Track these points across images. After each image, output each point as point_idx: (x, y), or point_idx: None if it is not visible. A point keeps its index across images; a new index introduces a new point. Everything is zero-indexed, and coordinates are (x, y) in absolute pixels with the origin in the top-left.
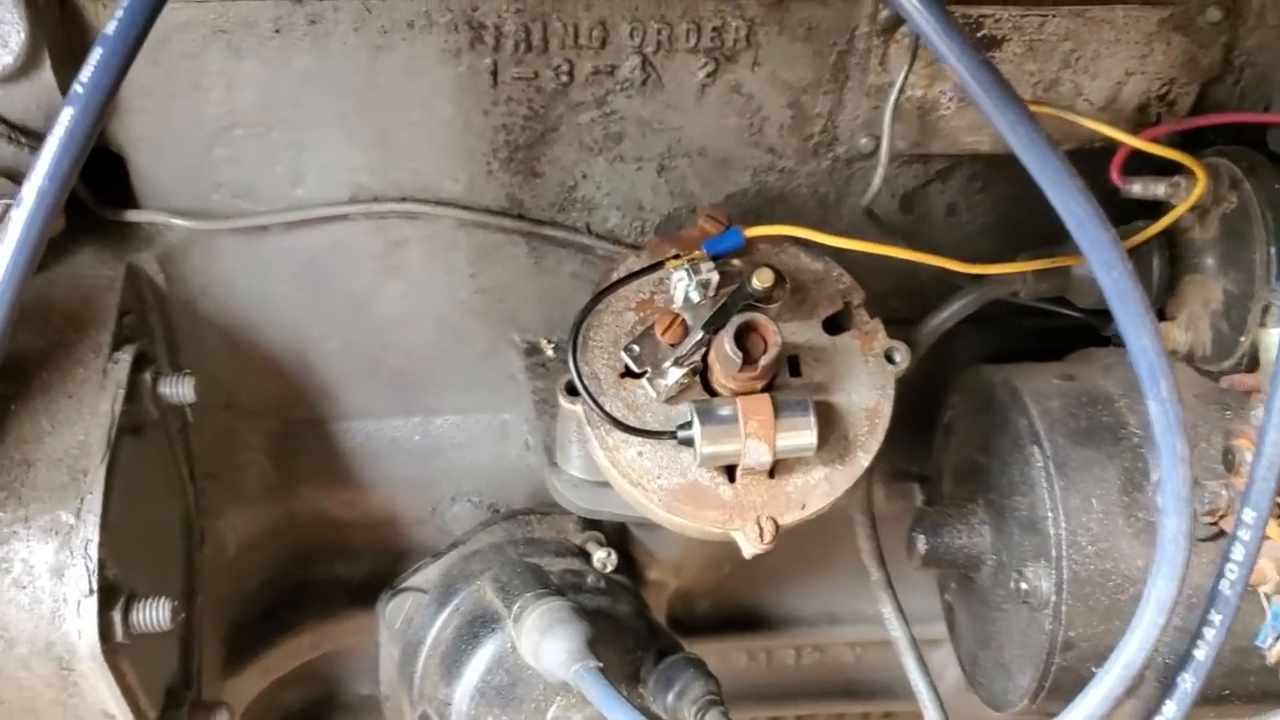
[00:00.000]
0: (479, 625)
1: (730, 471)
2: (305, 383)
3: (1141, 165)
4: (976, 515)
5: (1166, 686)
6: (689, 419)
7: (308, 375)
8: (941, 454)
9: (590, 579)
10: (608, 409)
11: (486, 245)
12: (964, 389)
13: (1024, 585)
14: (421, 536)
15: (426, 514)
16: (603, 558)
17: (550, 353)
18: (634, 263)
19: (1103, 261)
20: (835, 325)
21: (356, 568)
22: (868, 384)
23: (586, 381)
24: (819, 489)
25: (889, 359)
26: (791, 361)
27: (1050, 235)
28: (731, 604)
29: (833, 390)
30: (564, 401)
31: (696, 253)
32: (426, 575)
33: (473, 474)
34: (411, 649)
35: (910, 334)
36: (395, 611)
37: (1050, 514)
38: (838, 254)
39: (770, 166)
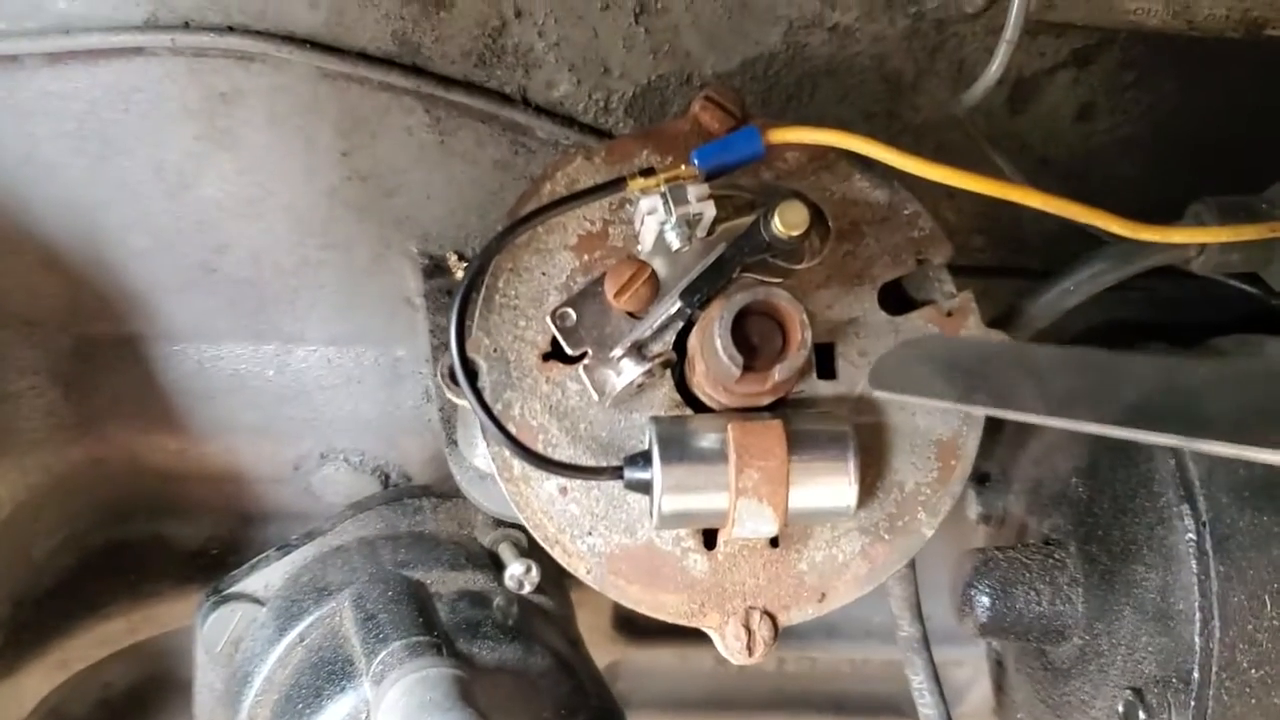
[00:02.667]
0: (325, 675)
1: (709, 533)
2: (106, 287)
3: None
4: (1065, 571)
5: None
6: (646, 447)
7: (108, 277)
8: (1015, 454)
9: (498, 607)
10: (515, 414)
11: (365, 110)
12: None
13: (1142, 715)
14: (281, 497)
15: (287, 473)
16: (519, 574)
17: (460, 274)
18: (578, 170)
19: None
20: (900, 297)
21: (192, 530)
22: None
23: (485, 364)
24: (851, 571)
25: None
26: (823, 353)
27: (1226, 163)
28: None
29: (887, 405)
30: (448, 392)
31: (682, 168)
32: (266, 577)
33: (350, 426)
34: (237, 685)
35: (1013, 305)
36: (218, 627)
37: (1198, 612)
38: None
39: (817, 21)
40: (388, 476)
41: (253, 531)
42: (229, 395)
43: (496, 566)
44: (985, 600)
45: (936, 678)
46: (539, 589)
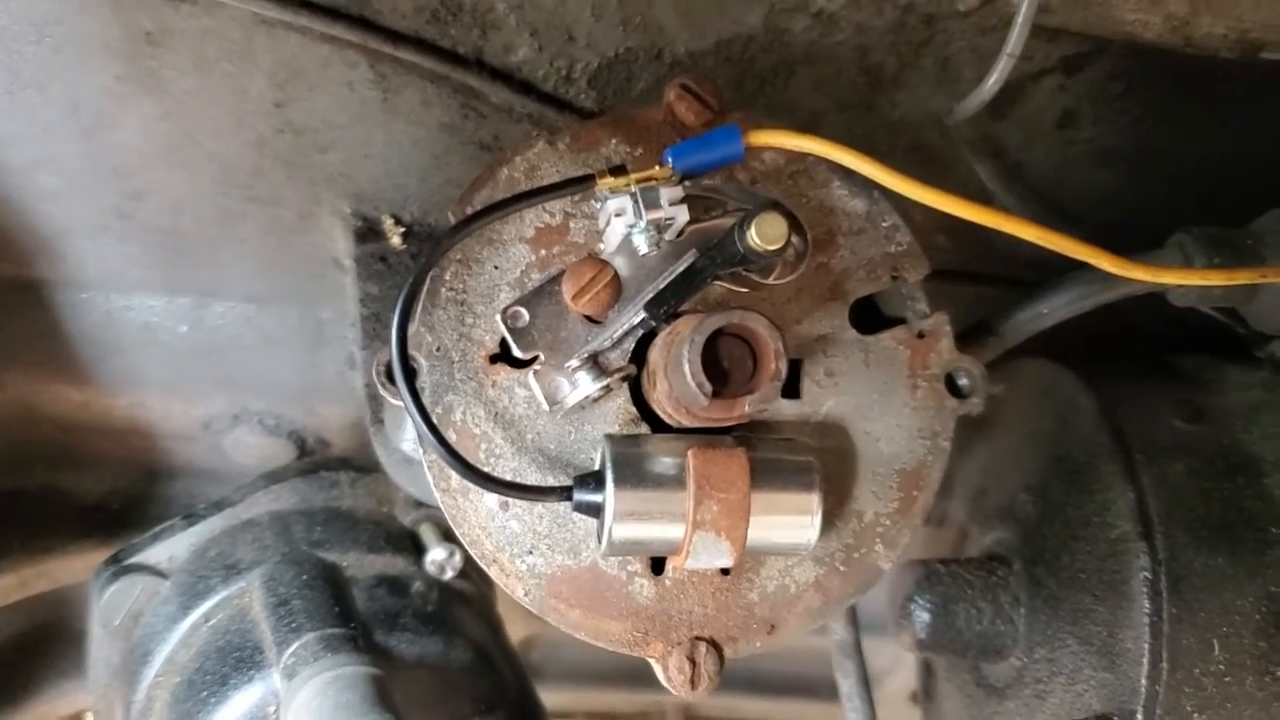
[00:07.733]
0: (232, 662)
1: (656, 559)
2: (8, 227)
3: None
4: (1008, 590)
5: None
6: (598, 466)
7: (11, 216)
8: (959, 456)
9: (417, 593)
10: (456, 420)
11: (304, 61)
12: (1018, 383)
13: None
14: (189, 455)
15: (196, 431)
16: (440, 560)
17: (397, 240)
18: (540, 156)
19: None
20: (872, 313)
21: (92, 482)
22: (910, 426)
23: (426, 362)
24: (803, 603)
25: (952, 387)
26: (789, 369)
27: (1207, 181)
28: None
29: (851, 429)
30: (383, 391)
31: (656, 167)
32: (170, 549)
33: (267, 388)
34: (135, 662)
35: (984, 322)
36: (117, 599)
37: (1148, 652)
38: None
39: (801, 5)
40: (304, 442)
41: (157, 487)
42: (138, 348)
43: (416, 549)
44: (925, 616)
45: (867, 683)
46: (462, 571)
